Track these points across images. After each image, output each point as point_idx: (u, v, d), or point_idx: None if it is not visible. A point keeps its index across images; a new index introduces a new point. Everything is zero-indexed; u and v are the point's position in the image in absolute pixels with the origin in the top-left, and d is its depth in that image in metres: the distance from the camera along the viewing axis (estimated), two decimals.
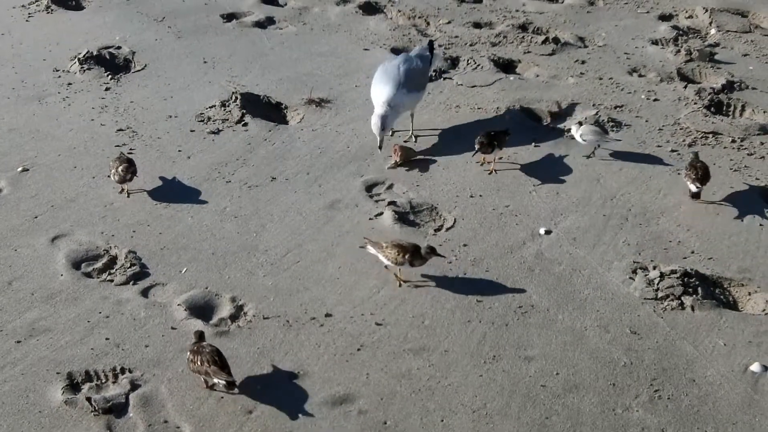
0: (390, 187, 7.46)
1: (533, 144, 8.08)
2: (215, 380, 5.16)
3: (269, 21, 11.24)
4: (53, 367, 5.40)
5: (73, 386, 5.27)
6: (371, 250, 6.24)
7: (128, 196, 7.23)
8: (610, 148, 7.96)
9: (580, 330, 5.76)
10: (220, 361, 5.15)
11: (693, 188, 7.09)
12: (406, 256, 6.00)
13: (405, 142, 8.18)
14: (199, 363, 5.16)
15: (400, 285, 6.18)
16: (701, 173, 7.08)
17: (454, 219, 6.98)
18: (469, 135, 8.07)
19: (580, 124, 8.00)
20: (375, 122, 7.71)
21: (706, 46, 10.47)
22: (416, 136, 8.24)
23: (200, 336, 5.37)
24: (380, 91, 7.89)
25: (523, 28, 11.03)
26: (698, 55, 10.05)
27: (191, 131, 8.34)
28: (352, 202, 7.17)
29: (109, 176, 7.36)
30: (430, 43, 8.75)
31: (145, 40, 10.49)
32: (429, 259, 6.07)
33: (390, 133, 8.17)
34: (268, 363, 5.45)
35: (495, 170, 7.66)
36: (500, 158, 7.75)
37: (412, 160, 7.81)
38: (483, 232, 6.81)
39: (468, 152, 7.88)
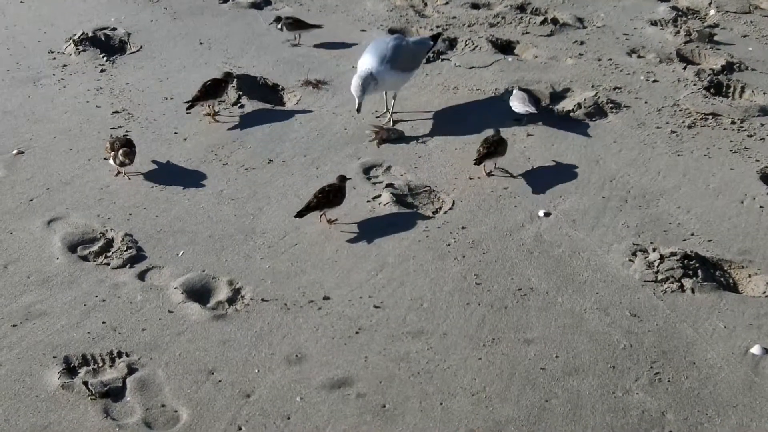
0: (388, 169, 7.41)
1: (527, 134, 8.03)
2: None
3: (265, 2, 11.18)
4: (49, 351, 5.36)
5: (69, 370, 5.23)
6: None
7: (129, 179, 7.17)
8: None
9: (580, 313, 5.73)
10: (324, 195, 6.48)
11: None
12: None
13: (377, 117, 8.19)
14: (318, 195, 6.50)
15: None
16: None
17: (453, 201, 6.93)
18: (468, 117, 8.03)
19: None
20: (356, 84, 7.65)
21: (705, 27, 10.41)
22: (394, 121, 8.14)
23: (342, 179, 6.63)
24: (364, 61, 7.84)
25: (522, 8, 10.96)
26: (697, 36, 9.99)
27: (187, 113, 8.27)
28: (350, 185, 7.11)
29: (106, 158, 7.30)
30: (437, 36, 8.76)
31: (141, 22, 10.41)
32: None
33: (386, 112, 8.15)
34: (265, 346, 5.42)
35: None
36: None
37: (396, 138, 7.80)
38: (481, 215, 6.77)
39: (466, 134, 7.83)
